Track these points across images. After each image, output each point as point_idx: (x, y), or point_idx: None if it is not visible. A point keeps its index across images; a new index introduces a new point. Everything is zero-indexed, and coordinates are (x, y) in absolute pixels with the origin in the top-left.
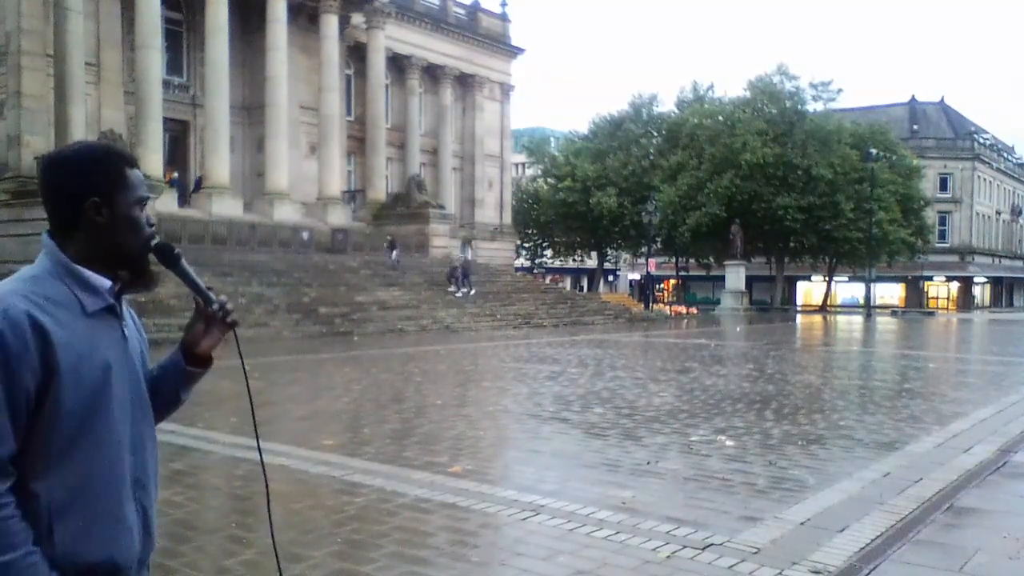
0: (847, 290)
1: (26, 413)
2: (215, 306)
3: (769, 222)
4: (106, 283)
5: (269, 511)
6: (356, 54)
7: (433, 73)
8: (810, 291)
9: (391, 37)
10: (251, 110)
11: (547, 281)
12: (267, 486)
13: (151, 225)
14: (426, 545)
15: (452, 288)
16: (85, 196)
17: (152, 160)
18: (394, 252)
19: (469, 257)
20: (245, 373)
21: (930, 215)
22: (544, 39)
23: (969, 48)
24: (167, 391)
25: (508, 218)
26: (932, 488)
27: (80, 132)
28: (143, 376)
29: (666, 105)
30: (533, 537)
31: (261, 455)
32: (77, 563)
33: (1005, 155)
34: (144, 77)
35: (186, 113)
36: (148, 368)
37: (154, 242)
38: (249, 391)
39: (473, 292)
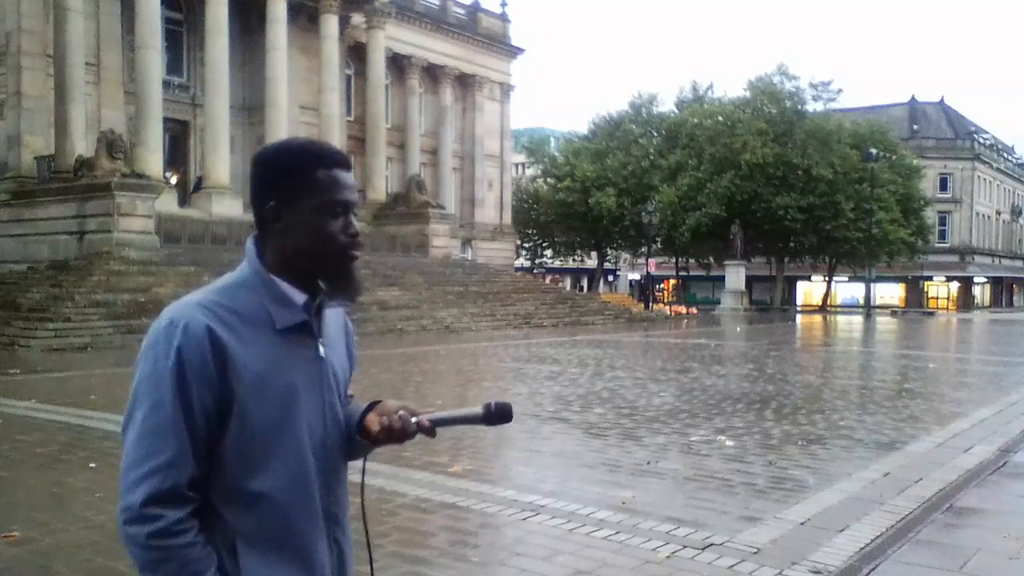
0: (847, 290)
1: (206, 434)
2: (411, 421)
3: (769, 222)
4: (301, 297)
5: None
6: (356, 54)
7: (433, 73)
8: (810, 291)
9: (391, 37)
10: (251, 110)
11: (547, 281)
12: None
13: (352, 234)
14: (426, 545)
15: None
16: (267, 200)
17: (152, 160)
18: None
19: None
20: (363, 501)
21: (930, 215)
22: (544, 39)
23: (969, 48)
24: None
25: (508, 218)
26: (932, 488)
27: (80, 132)
28: (340, 402)
29: (666, 105)
30: (533, 537)
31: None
32: None
33: (1005, 155)
34: (144, 77)
35: (186, 113)
36: (345, 394)
37: (495, 404)
38: (364, 516)
39: None
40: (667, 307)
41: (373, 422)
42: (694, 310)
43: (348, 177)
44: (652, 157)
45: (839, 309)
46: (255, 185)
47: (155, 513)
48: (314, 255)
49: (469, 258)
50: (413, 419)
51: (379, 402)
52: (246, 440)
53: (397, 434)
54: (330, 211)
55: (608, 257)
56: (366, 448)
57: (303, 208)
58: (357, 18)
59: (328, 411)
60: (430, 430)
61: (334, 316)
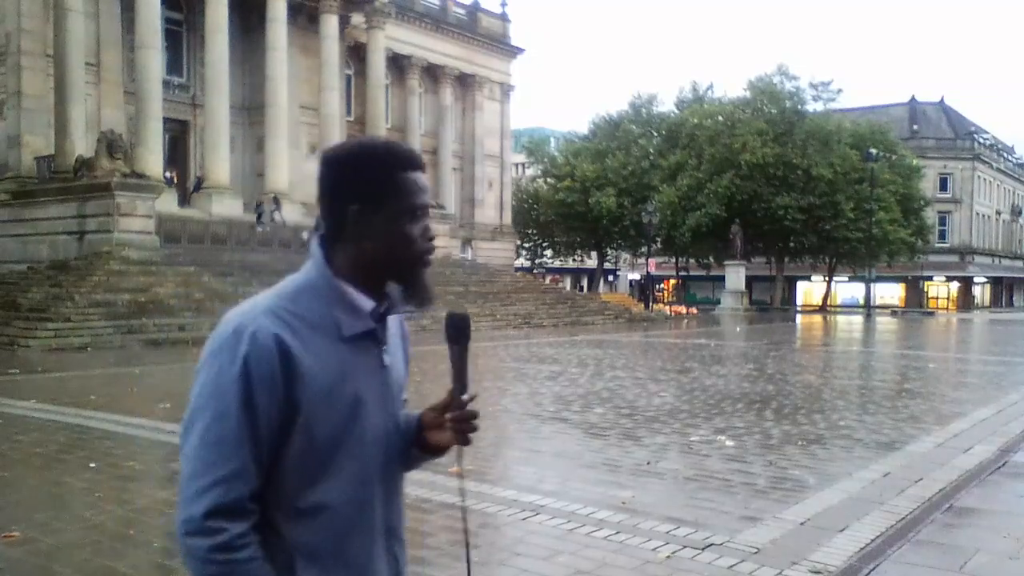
0: (847, 290)
1: (269, 446)
2: (456, 410)
3: (769, 222)
4: (368, 304)
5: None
6: (356, 54)
7: (433, 73)
8: (810, 291)
9: (391, 37)
10: (251, 110)
11: (547, 281)
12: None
13: (431, 238)
14: (426, 545)
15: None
16: (346, 203)
17: (152, 160)
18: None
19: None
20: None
21: (930, 215)
22: (544, 39)
23: (969, 48)
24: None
25: (508, 218)
26: (932, 488)
27: (80, 132)
28: (398, 411)
29: (666, 105)
30: (533, 537)
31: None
32: None
33: (1005, 155)
34: (144, 77)
35: (186, 113)
36: (402, 399)
37: (445, 324)
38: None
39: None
40: (667, 307)
41: (440, 438)
42: (694, 310)
43: (424, 180)
44: (652, 157)
45: (839, 309)
46: (330, 186)
47: (218, 526)
48: (394, 260)
49: (469, 258)
50: (462, 404)
51: (421, 415)
52: (309, 452)
53: (467, 437)
54: (412, 215)
55: (608, 257)
56: (425, 459)
57: (386, 212)
58: (357, 18)
59: (391, 422)
60: (472, 397)
61: (393, 320)
